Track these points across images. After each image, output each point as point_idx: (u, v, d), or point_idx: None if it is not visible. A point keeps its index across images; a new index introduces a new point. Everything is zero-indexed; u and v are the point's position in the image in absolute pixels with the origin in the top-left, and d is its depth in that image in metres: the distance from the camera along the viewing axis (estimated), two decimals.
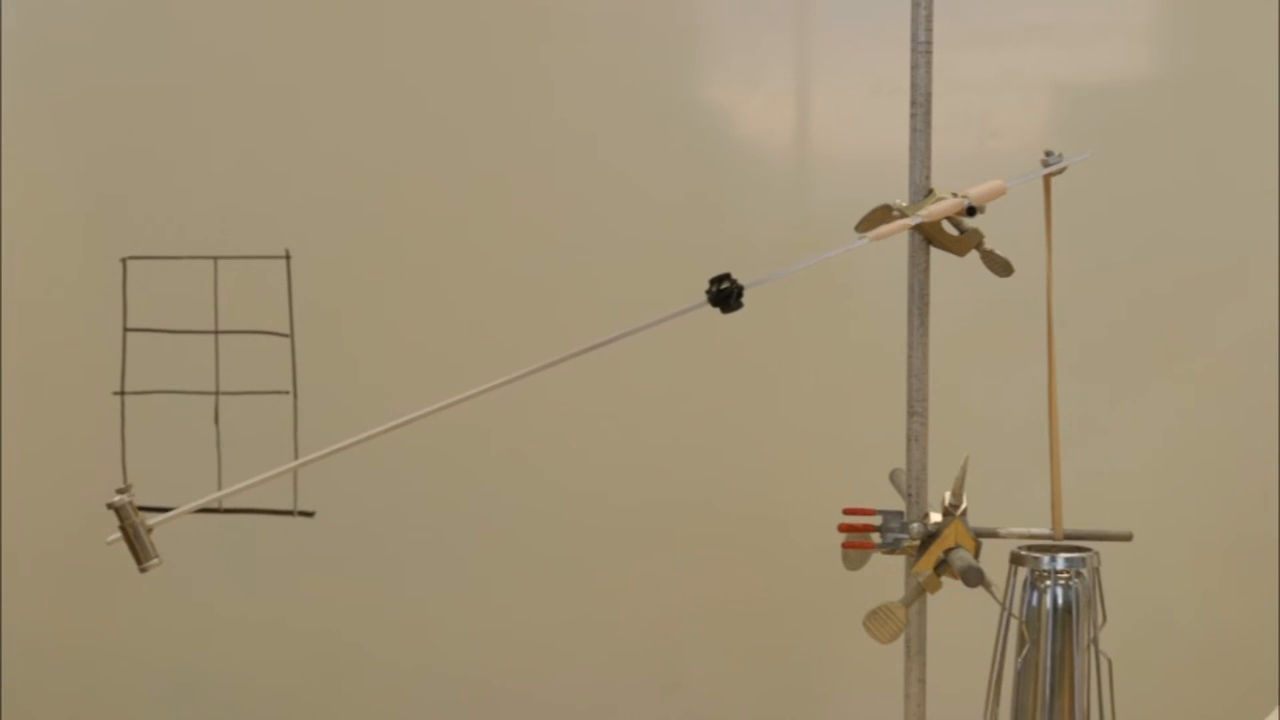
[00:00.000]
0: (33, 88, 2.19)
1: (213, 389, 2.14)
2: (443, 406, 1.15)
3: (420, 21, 2.11)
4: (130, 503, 1.10)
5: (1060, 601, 1.27)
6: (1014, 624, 1.29)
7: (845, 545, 1.32)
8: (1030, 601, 1.28)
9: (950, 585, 1.28)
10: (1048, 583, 1.27)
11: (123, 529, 1.10)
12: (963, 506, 1.29)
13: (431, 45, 2.11)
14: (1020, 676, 1.28)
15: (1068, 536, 1.30)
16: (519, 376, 1.19)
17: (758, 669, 2.11)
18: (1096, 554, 1.29)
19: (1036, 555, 1.28)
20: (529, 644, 2.17)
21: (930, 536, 1.29)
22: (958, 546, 1.28)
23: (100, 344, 2.17)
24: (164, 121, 2.16)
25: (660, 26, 2.10)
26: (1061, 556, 1.27)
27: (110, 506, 1.09)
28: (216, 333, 2.14)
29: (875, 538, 1.31)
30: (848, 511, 1.32)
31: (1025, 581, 1.28)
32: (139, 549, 1.11)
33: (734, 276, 1.17)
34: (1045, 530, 1.31)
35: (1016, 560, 1.28)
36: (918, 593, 1.29)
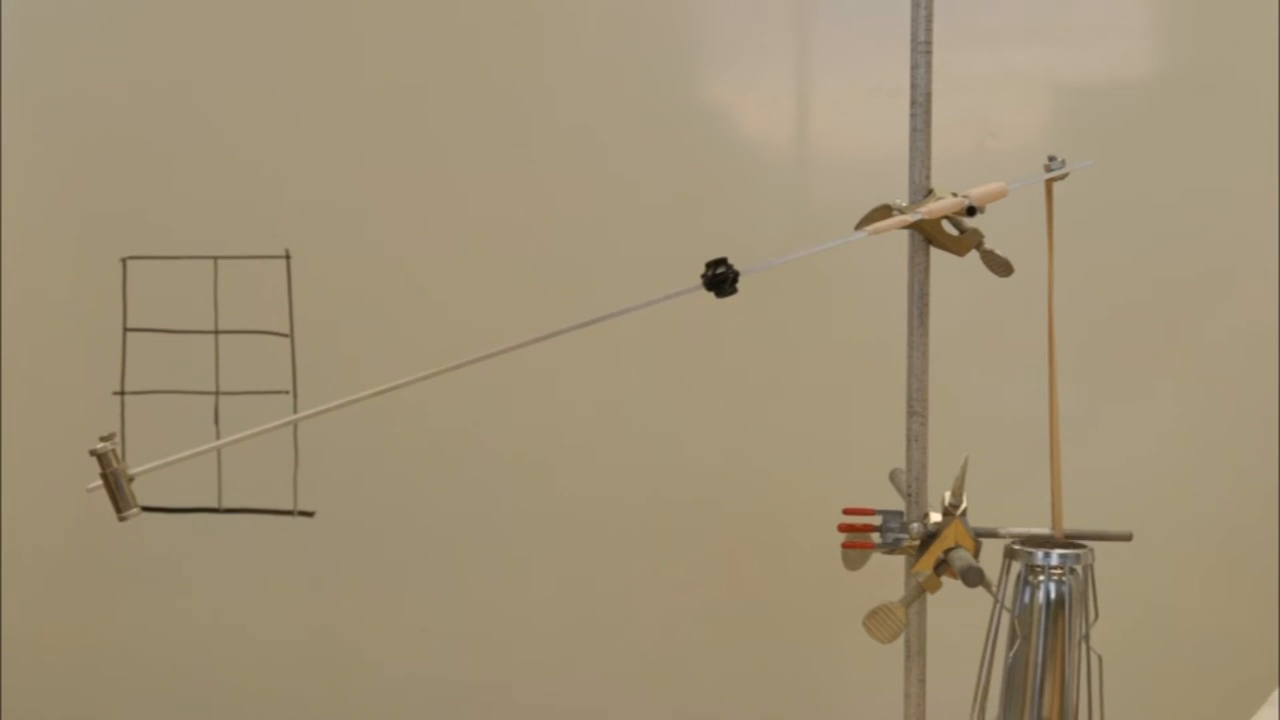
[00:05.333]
0: (33, 88, 2.19)
1: (213, 389, 2.14)
2: (410, 381, 1.15)
3: (420, 23, 2.11)
4: (113, 450, 1.10)
5: (1053, 597, 1.27)
6: (1006, 619, 1.29)
7: (845, 545, 1.32)
8: (1023, 597, 1.28)
9: (950, 585, 1.29)
10: (1041, 578, 1.27)
11: (104, 476, 1.10)
12: (963, 506, 1.29)
13: (431, 46, 2.11)
14: (1011, 671, 1.28)
15: (1067, 536, 1.30)
16: (500, 352, 1.19)
17: (758, 669, 2.11)
18: (1091, 550, 1.29)
19: (1030, 550, 1.28)
20: (529, 644, 2.17)
21: (930, 536, 1.29)
22: (958, 546, 1.28)
23: (100, 344, 2.17)
24: (164, 122, 2.16)
25: (660, 26, 2.10)
26: (1055, 552, 1.28)
27: (93, 453, 1.09)
28: (216, 333, 2.14)
29: (875, 538, 1.31)
30: (848, 511, 1.32)
31: (1018, 576, 1.28)
32: (119, 498, 1.11)
33: (730, 262, 1.17)
34: (1045, 530, 1.31)
35: (1010, 555, 1.29)
36: (918, 593, 1.29)
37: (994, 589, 1.27)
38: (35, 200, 2.20)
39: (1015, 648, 1.27)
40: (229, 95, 2.15)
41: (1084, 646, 1.28)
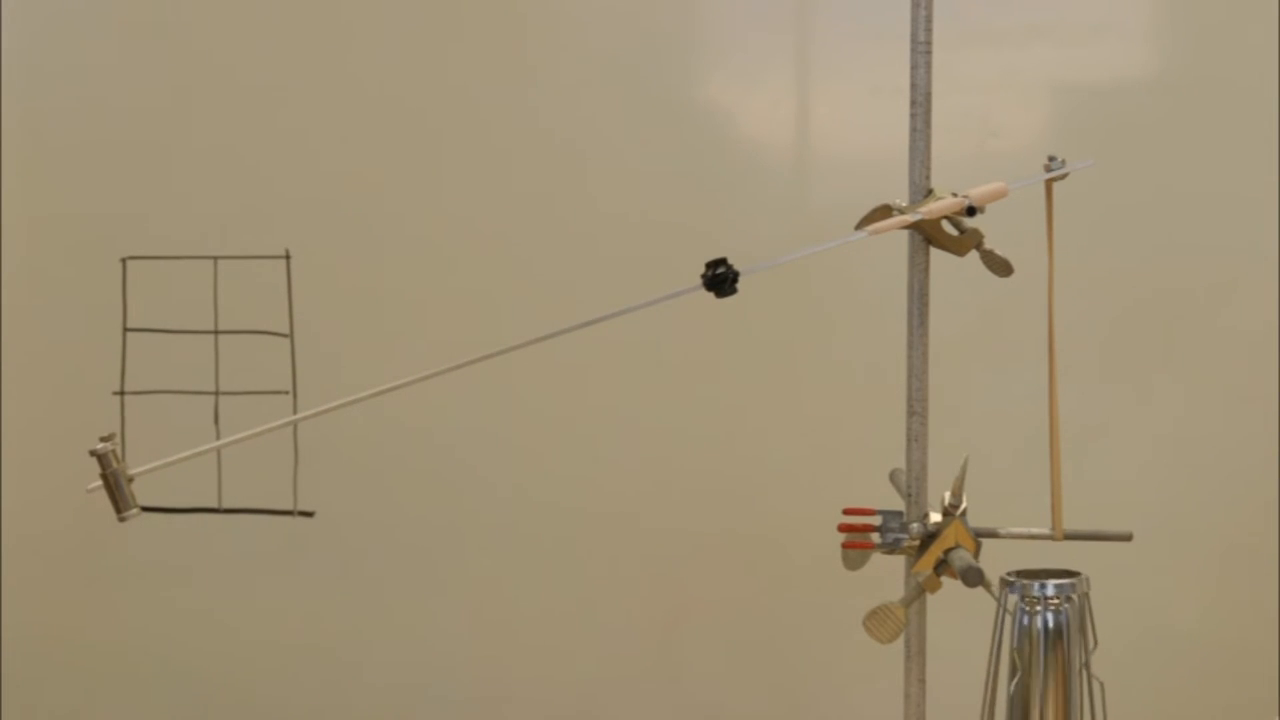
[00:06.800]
0: (33, 88, 2.19)
1: (213, 389, 2.14)
2: (410, 381, 1.15)
3: (420, 23, 2.11)
4: (113, 451, 1.10)
5: (1051, 627, 1.27)
6: (1006, 650, 1.28)
7: (845, 545, 1.32)
8: (1021, 628, 1.27)
9: (950, 585, 1.29)
10: (1038, 609, 1.27)
11: (103, 477, 1.10)
12: (963, 506, 1.29)
13: (432, 47, 2.11)
14: (1013, 703, 1.27)
15: (1067, 537, 1.30)
16: (499, 353, 1.19)
17: (758, 669, 2.11)
18: (1086, 579, 1.28)
19: (1027, 582, 1.27)
20: (529, 645, 2.17)
21: (930, 536, 1.29)
22: (958, 546, 1.28)
23: (100, 344, 2.17)
24: (164, 122, 2.16)
25: (660, 26, 2.10)
26: (1051, 583, 1.27)
27: (93, 454, 1.10)
28: (216, 333, 2.14)
29: (875, 538, 1.31)
30: (848, 511, 1.32)
31: (1016, 608, 1.27)
32: (119, 498, 1.11)
33: (729, 262, 1.17)
34: (1045, 530, 1.31)
35: (1007, 587, 1.28)
36: (917, 593, 1.29)
37: (994, 590, 1.27)
38: (35, 200, 2.20)
39: (1016, 680, 1.27)
40: (229, 95, 2.15)
41: (1085, 674, 1.27)
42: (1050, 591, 1.26)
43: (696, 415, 2.09)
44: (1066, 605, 1.26)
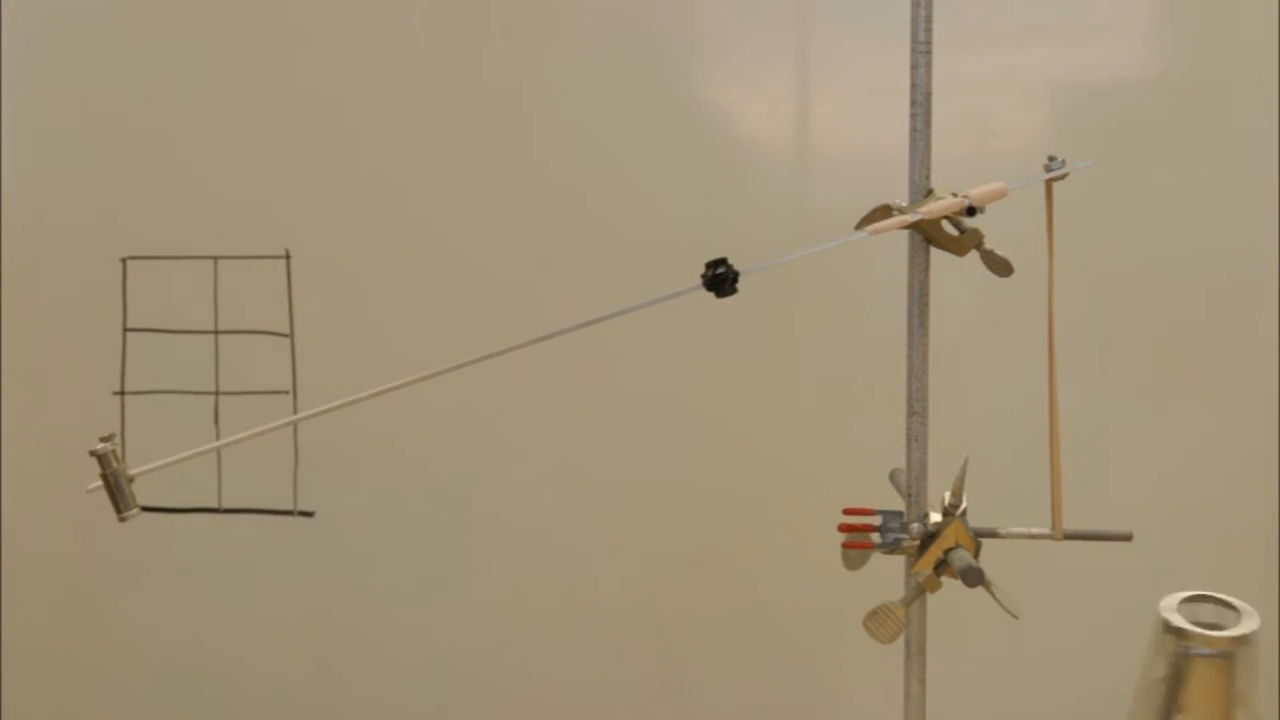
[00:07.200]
0: (33, 87, 2.19)
1: (213, 389, 2.14)
2: (410, 381, 1.15)
3: (421, 22, 2.11)
4: (113, 451, 1.10)
5: (1219, 670, 1.26)
6: (1162, 688, 1.28)
7: (845, 545, 1.32)
8: (1180, 670, 1.26)
9: (950, 585, 1.29)
10: (1205, 652, 1.26)
11: (104, 477, 1.10)
12: (963, 506, 1.29)
13: (432, 46, 2.11)
14: None
15: (1067, 537, 1.30)
16: (499, 353, 1.19)
17: (758, 670, 2.11)
18: (1254, 617, 1.27)
19: (1195, 631, 1.26)
20: (530, 645, 2.17)
21: (930, 536, 1.29)
22: (958, 546, 1.28)
23: (100, 344, 2.17)
24: (164, 122, 2.16)
25: (659, 26, 2.10)
26: (1215, 633, 1.26)
27: (93, 454, 1.10)
28: (216, 333, 2.14)
29: (875, 538, 1.31)
30: (848, 511, 1.32)
31: (1177, 648, 1.26)
32: (119, 498, 1.11)
33: (730, 262, 1.17)
34: (1045, 530, 1.31)
35: (1169, 631, 1.27)
36: (917, 593, 1.29)
37: (1005, 603, 1.27)
38: (35, 200, 2.20)
39: None
40: (229, 95, 2.15)
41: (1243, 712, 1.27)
42: (1221, 640, 1.26)
43: (695, 414, 2.09)
44: (1235, 649, 1.26)
